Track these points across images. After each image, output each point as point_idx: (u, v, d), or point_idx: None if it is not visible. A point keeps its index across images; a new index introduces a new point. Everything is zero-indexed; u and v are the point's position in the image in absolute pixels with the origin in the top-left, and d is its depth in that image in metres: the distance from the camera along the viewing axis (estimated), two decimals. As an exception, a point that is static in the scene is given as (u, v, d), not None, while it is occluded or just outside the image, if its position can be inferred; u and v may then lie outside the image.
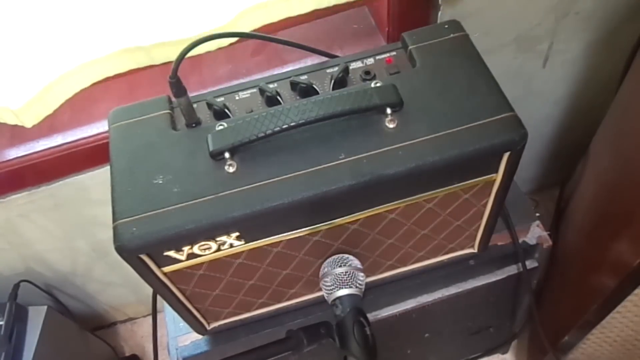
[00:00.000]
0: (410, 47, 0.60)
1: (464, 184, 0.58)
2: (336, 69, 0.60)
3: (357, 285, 0.60)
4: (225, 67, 0.90)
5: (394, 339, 0.90)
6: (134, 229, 0.50)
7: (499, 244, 0.78)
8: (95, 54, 0.76)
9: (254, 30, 0.80)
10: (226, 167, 0.53)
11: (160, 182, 0.52)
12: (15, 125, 0.86)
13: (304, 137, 0.54)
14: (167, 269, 0.55)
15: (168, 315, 0.77)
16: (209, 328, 0.70)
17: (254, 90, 0.60)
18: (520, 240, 0.79)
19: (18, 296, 1.01)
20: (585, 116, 1.20)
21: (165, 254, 0.53)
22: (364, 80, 0.59)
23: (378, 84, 0.56)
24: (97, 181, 0.95)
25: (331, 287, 0.60)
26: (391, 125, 0.54)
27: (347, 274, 0.60)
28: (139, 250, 0.51)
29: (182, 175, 0.53)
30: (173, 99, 0.57)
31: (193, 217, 0.50)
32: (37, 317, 1.01)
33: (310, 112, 0.52)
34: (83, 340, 1.21)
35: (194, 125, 0.57)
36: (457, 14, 0.86)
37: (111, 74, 0.79)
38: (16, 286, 1.03)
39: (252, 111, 0.58)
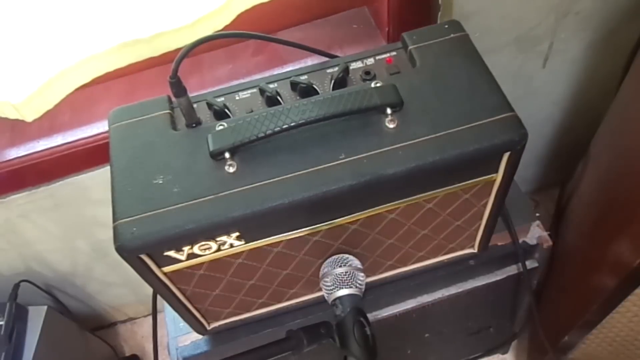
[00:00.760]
0: (410, 47, 0.60)
1: (464, 184, 0.58)
2: (336, 69, 0.60)
3: (357, 285, 0.60)
4: (225, 67, 0.90)
5: (394, 339, 0.90)
6: (134, 229, 0.50)
7: (499, 244, 0.78)
8: (94, 49, 0.76)
9: (253, 28, 0.79)
10: (226, 167, 0.53)
11: (160, 182, 0.52)
12: (16, 125, 0.86)
13: (304, 137, 0.54)
14: (167, 269, 0.55)
15: (168, 315, 0.77)
16: (209, 328, 0.70)
17: (254, 90, 0.60)
18: (520, 240, 0.79)
19: (18, 296, 1.01)
20: (585, 116, 1.20)
21: (165, 254, 0.53)
22: (364, 80, 0.59)
23: (378, 84, 0.56)
24: (97, 181, 0.95)
25: (331, 287, 0.60)
26: (391, 125, 0.54)
27: (347, 274, 0.60)
28: (139, 251, 0.51)
29: (182, 175, 0.53)
30: (173, 99, 0.57)
31: (193, 217, 0.50)
32: (37, 317, 1.01)
33: (310, 112, 0.52)
34: (83, 340, 1.21)
35: (194, 125, 0.57)
36: (457, 14, 0.86)
37: (112, 68, 0.79)
38: (16, 286, 1.03)
39: (252, 111, 0.58)
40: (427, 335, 0.94)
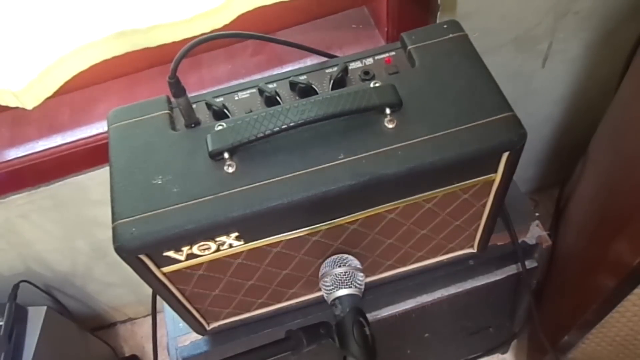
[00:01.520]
0: (409, 47, 0.60)
1: (463, 183, 0.58)
2: (335, 69, 0.60)
3: (357, 285, 0.60)
4: (225, 67, 0.90)
5: (393, 339, 0.90)
6: (134, 229, 0.50)
7: (499, 243, 0.78)
8: (92, 38, 0.76)
9: (252, 28, 0.79)
10: (225, 167, 0.53)
11: (160, 182, 0.52)
12: (15, 125, 0.86)
13: (303, 137, 0.54)
14: (166, 269, 0.55)
15: (168, 315, 0.77)
16: (208, 328, 0.70)
17: (253, 90, 0.60)
18: (519, 240, 0.79)
19: (18, 296, 1.01)
20: (585, 116, 1.20)
21: (165, 254, 0.53)
22: (363, 80, 0.59)
23: (377, 84, 0.56)
24: (96, 181, 0.95)
25: (331, 287, 0.60)
26: (390, 126, 0.54)
27: (346, 274, 0.60)
28: (138, 251, 0.51)
29: (182, 175, 0.53)
30: (172, 99, 0.57)
31: (192, 217, 0.50)
32: (36, 317, 1.01)
33: (309, 112, 0.52)
34: (83, 341, 1.21)
35: (193, 125, 0.57)
36: (456, 13, 0.86)
37: (109, 56, 0.79)
38: (16, 286, 1.03)
39: (251, 111, 0.58)
40: (426, 335, 0.94)
